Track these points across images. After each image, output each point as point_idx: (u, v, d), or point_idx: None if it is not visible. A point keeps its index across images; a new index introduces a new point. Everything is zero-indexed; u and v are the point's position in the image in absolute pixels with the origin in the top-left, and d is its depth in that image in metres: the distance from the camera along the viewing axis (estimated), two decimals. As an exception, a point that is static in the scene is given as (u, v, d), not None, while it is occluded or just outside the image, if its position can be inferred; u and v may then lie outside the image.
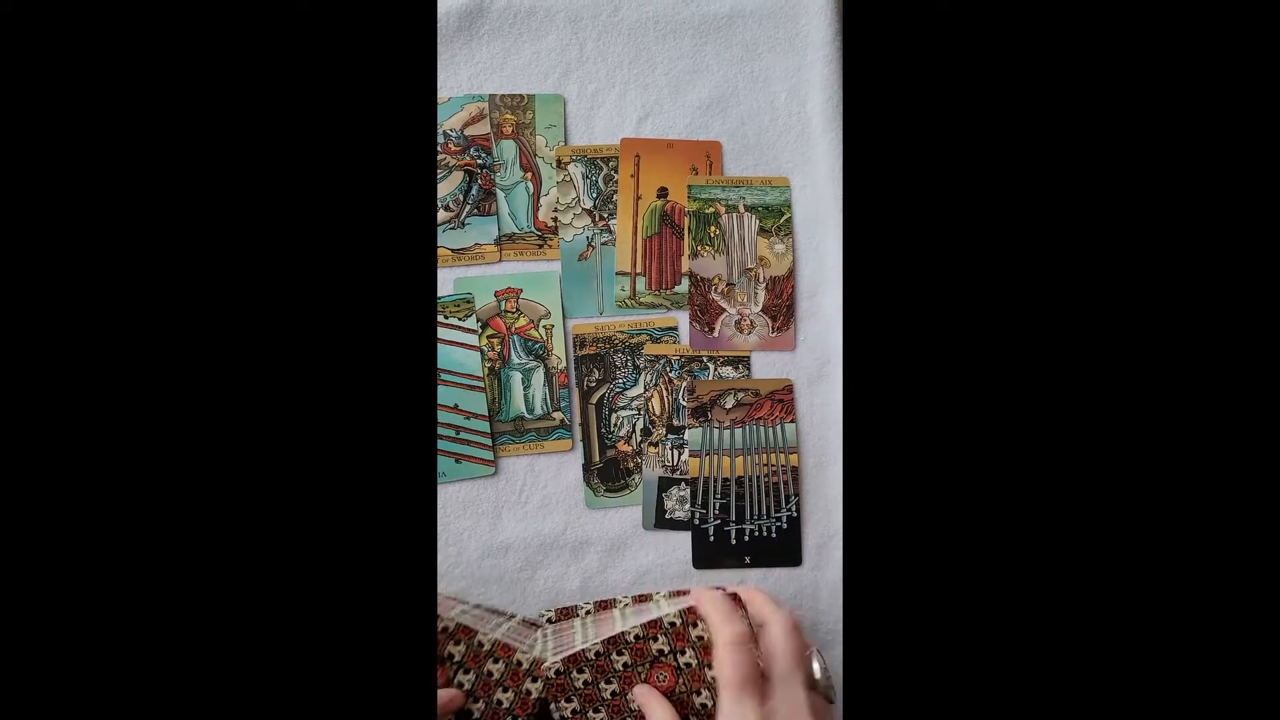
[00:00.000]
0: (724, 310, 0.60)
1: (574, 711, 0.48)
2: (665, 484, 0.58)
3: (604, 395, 0.59)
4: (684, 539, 0.57)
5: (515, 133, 0.61)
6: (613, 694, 0.48)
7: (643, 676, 0.48)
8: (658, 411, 0.59)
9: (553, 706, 0.48)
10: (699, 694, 0.48)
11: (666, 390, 0.59)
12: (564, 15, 0.62)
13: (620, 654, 0.48)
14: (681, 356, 0.59)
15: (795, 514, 0.58)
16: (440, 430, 0.57)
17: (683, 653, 0.48)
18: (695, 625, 0.48)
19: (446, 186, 0.60)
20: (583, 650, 0.48)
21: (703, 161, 0.61)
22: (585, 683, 0.48)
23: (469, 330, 0.59)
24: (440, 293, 0.59)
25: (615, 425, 0.58)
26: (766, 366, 0.60)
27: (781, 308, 0.60)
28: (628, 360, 0.59)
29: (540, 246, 0.60)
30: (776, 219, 0.61)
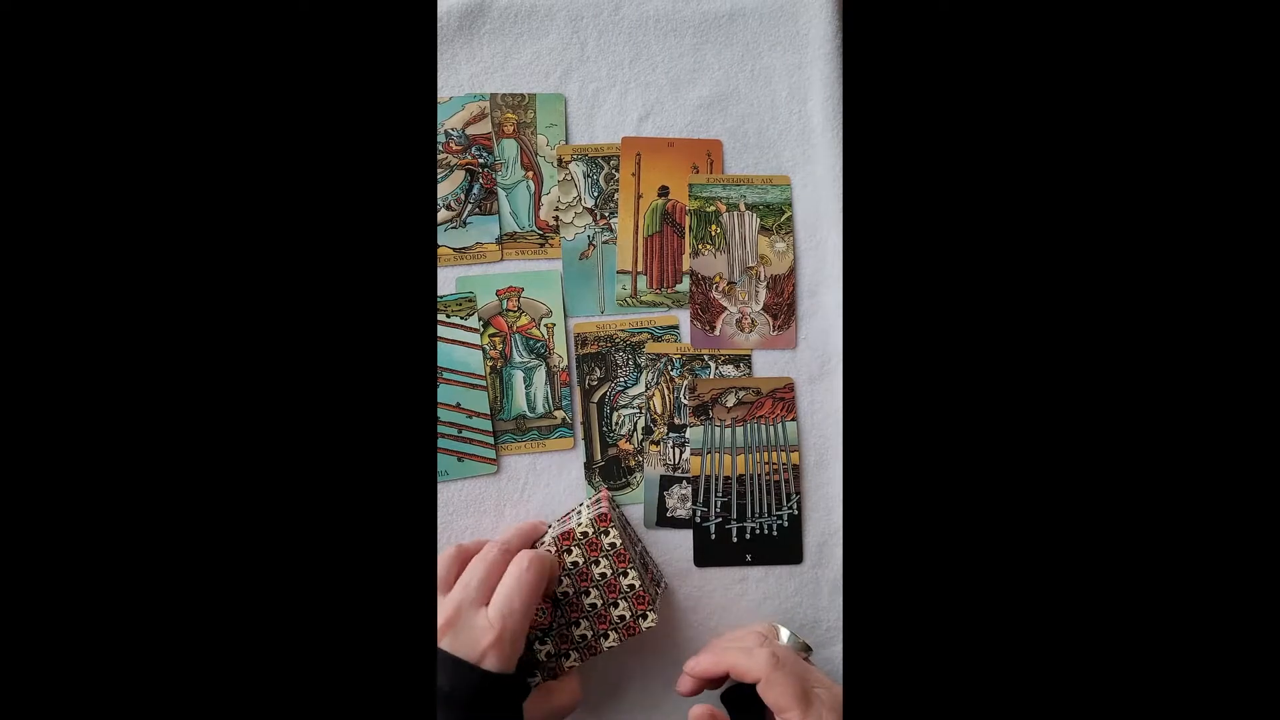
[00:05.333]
0: (725, 309, 0.60)
1: (563, 593, 0.51)
2: (666, 482, 0.58)
3: (605, 394, 0.59)
4: (685, 537, 0.58)
5: (516, 132, 0.61)
6: (600, 574, 0.51)
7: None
8: (659, 410, 0.59)
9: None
10: (577, 625, 0.50)
11: (668, 389, 0.59)
12: (565, 14, 0.62)
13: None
14: (683, 355, 0.59)
15: (796, 512, 0.58)
16: (442, 429, 0.57)
17: (597, 563, 0.50)
18: (607, 533, 0.50)
19: (448, 186, 0.60)
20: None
21: (704, 160, 0.61)
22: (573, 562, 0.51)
23: (471, 329, 0.59)
24: (442, 291, 0.59)
25: (617, 424, 0.59)
26: (767, 365, 0.60)
27: (782, 306, 0.60)
28: (629, 359, 0.59)
29: (542, 245, 0.60)
30: (777, 217, 0.61)
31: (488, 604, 0.46)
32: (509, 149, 0.61)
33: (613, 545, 0.50)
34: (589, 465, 0.58)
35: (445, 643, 0.44)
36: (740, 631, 0.53)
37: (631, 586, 0.50)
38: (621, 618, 0.50)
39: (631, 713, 0.56)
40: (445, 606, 0.45)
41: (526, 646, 0.48)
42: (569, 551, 0.51)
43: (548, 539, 0.52)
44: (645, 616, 0.50)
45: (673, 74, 0.62)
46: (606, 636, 0.50)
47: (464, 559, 0.49)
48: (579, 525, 0.51)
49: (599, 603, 0.50)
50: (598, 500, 0.53)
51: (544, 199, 0.60)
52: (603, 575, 0.50)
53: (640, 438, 0.59)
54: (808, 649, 0.52)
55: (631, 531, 0.56)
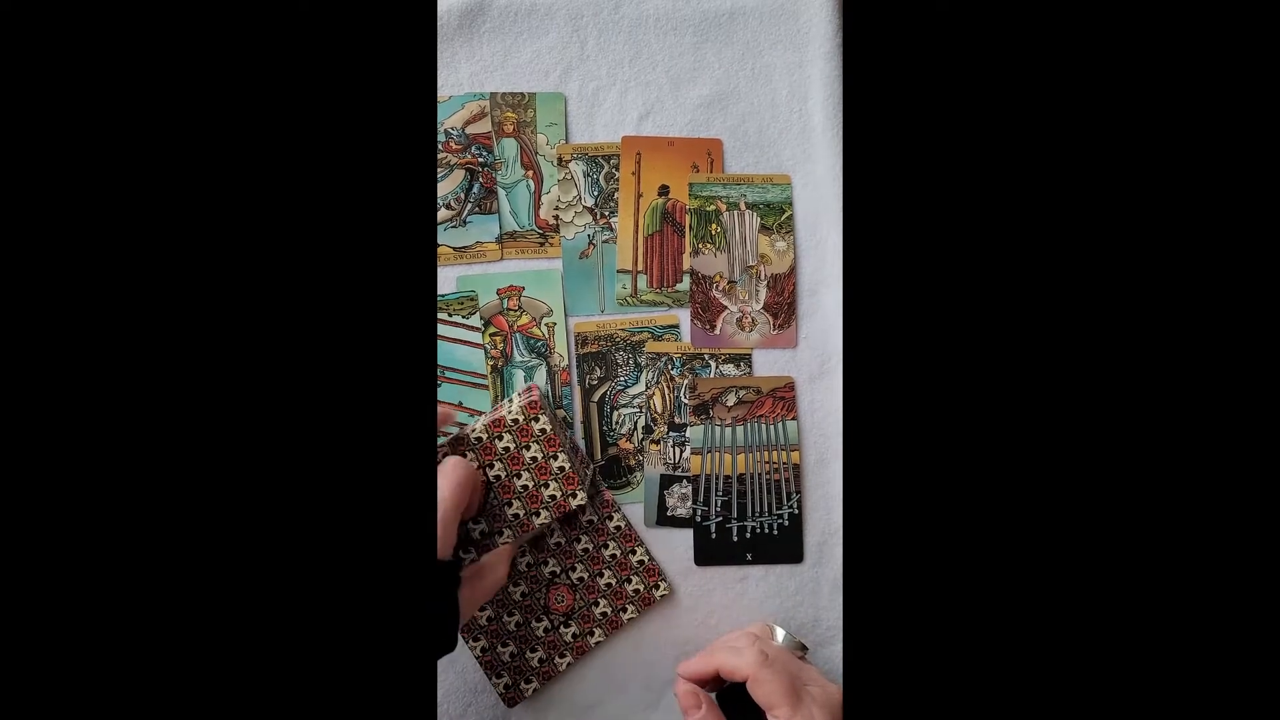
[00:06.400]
0: (725, 308, 0.60)
1: (495, 477, 0.53)
2: (667, 481, 0.58)
3: (606, 393, 0.59)
4: (685, 536, 0.58)
5: (516, 131, 0.61)
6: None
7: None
8: (659, 409, 0.59)
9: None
10: (510, 505, 0.53)
11: (668, 388, 0.59)
12: (565, 13, 0.62)
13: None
14: (683, 354, 0.59)
15: (796, 511, 0.58)
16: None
17: (527, 448, 0.53)
18: (537, 420, 0.53)
19: (448, 185, 0.60)
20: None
21: (704, 159, 0.61)
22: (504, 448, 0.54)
23: (472, 328, 0.59)
24: (443, 290, 0.59)
25: (617, 423, 0.59)
26: (768, 364, 0.60)
27: (783, 305, 0.60)
28: (629, 358, 0.59)
29: (542, 244, 0.60)
30: (778, 216, 0.61)
31: None
32: (509, 148, 0.61)
33: (543, 431, 0.53)
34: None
35: None
36: (734, 634, 0.53)
37: (561, 469, 0.53)
38: (552, 497, 0.53)
39: (632, 712, 0.56)
40: None
41: (459, 528, 0.51)
42: (500, 437, 0.53)
43: (479, 426, 0.53)
44: (575, 495, 0.53)
45: (673, 73, 0.62)
46: (538, 515, 0.53)
47: None
48: (509, 413, 0.53)
49: (530, 484, 0.53)
50: (528, 390, 0.55)
51: (544, 198, 0.60)
52: (534, 459, 0.53)
53: (640, 437, 0.59)
54: (803, 648, 0.52)
55: (560, 425, 0.57)
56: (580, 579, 0.56)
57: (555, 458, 0.53)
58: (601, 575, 0.56)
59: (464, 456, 0.53)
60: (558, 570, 0.56)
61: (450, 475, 0.49)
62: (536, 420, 0.53)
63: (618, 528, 0.56)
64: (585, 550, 0.56)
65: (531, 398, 0.54)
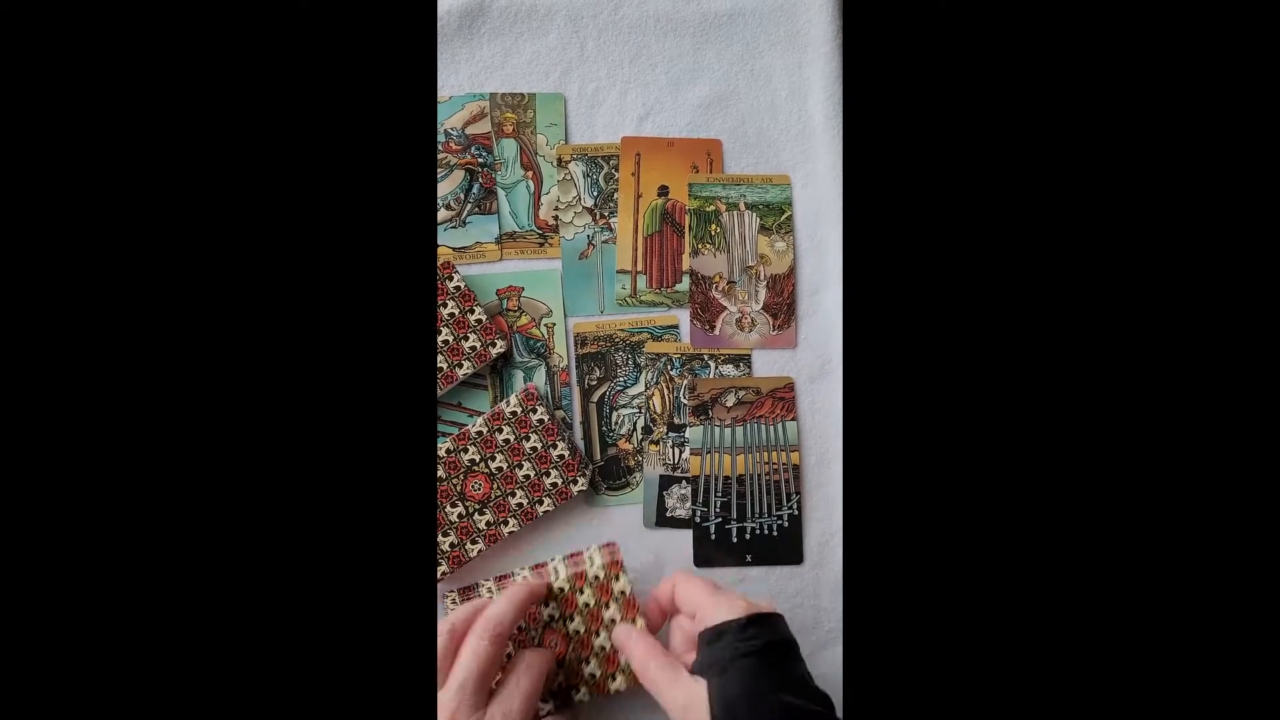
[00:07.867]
0: (725, 308, 0.60)
1: (498, 468, 0.55)
2: (666, 482, 0.58)
3: (605, 393, 0.59)
4: (685, 537, 0.58)
5: (516, 131, 0.61)
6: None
7: (537, 640, 0.52)
8: (659, 410, 0.59)
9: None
10: (587, 663, 0.52)
11: (667, 388, 0.59)
12: (564, 14, 0.62)
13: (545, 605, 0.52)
14: (682, 355, 0.59)
15: (796, 512, 0.58)
16: (443, 428, 0.57)
17: (571, 619, 0.52)
18: (582, 592, 0.52)
19: (448, 185, 0.60)
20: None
21: (703, 159, 0.61)
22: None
23: (470, 329, 0.59)
24: (442, 291, 0.59)
25: (616, 423, 0.59)
26: (767, 364, 0.60)
27: (782, 306, 0.60)
28: (629, 358, 0.59)
29: (541, 245, 0.60)
30: (777, 217, 0.61)
31: (485, 707, 0.44)
32: (508, 148, 0.61)
33: (540, 422, 0.55)
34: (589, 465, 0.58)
35: None
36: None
37: (561, 456, 0.55)
38: (554, 484, 0.55)
39: (632, 712, 0.56)
40: (443, 710, 0.43)
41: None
42: (499, 430, 0.55)
43: (563, 572, 0.53)
44: (575, 482, 0.56)
45: (672, 74, 0.62)
46: (541, 503, 0.55)
47: (458, 642, 0.46)
48: (508, 407, 0.55)
49: (533, 474, 0.55)
50: (525, 390, 0.56)
51: (543, 198, 0.60)
52: (534, 449, 0.55)
53: (640, 437, 0.58)
54: None
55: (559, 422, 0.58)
56: (500, 469, 0.55)
57: (554, 447, 0.55)
58: (520, 467, 0.55)
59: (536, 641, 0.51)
60: (476, 458, 0.55)
61: (523, 683, 0.45)
62: (534, 412, 0.55)
63: (540, 421, 0.56)
64: (506, 442, 0.55)
65: (527, 390, 0.56)
